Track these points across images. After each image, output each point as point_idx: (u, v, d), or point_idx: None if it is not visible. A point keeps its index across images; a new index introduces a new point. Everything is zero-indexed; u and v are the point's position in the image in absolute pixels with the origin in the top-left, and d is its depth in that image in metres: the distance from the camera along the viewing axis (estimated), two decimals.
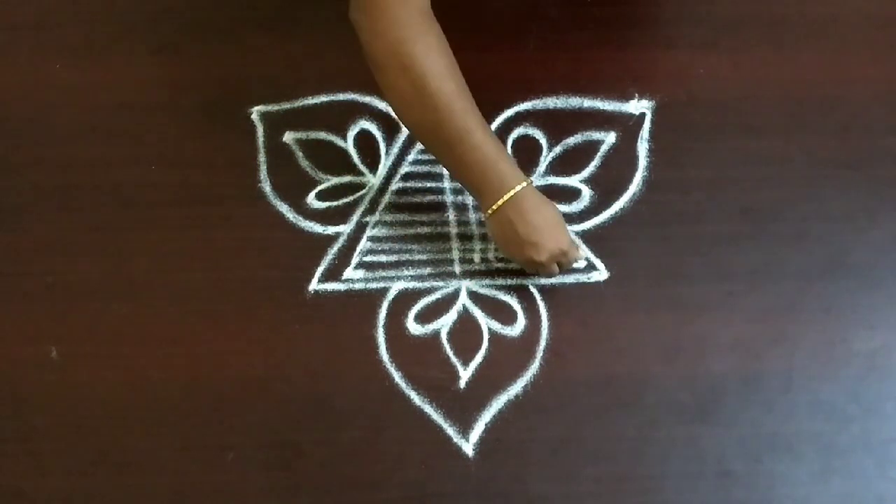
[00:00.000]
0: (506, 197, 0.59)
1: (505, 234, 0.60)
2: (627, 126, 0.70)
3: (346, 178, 0.69)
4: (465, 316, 0.65)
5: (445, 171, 0.68)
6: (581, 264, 0.66)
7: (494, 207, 0.59)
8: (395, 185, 0.68)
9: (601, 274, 0.66)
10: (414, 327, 0.64)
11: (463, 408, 0.62)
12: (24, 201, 0.68)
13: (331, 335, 0.64)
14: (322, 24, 0.67)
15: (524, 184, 0.59)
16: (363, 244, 0.67)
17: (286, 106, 0.70)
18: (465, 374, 0.63)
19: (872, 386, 0.63)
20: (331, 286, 0.65)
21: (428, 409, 0.62)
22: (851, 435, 0.62)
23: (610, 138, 0.70)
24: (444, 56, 0.57)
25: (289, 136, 0.70)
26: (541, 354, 0.64)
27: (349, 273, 0.66)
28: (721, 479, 0.61)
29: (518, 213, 0.59)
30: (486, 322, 0.65)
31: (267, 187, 0.68)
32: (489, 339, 0.64)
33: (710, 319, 0.64)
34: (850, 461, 0.61)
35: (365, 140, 0.70)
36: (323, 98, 0.70)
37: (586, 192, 0.68)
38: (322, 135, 0.70)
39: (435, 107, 0.57)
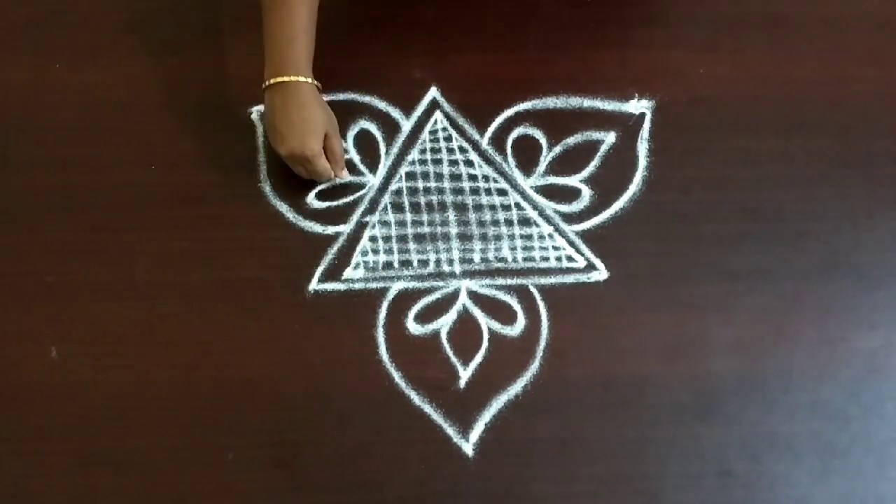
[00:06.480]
0: (272, 81, 0.63)
1: (268, 112, 0.64)
2: (627, 126, 0.70)
3: (346, 178, 0.68)
4: (465, 316, 0.65)
5: (446, 171, 0.68)
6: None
7: (265, 84, 0.63)
8: (395, 185, 0.68)
9: (601, 274, 0.66)
10: (414, 327, 0.64)
11: (463, 408, 0.62)
12: (24, 201, 0.68)
13: (331, 335, 0.64)
14: (322, 24, 0.67)
15: (301, 79, 0.63)
16: (363, 244, 0.67)
17: None
18: (464, 374, 0.63)
19: (872, 386, 0.63)
20: (331, 286, 0.65)
21: (428, 409, 0.62)
22: (851, 435, 0.62)
23: (610, 138, 0.70)
24: None
25: None
26: (541, 354, 0.64)
27: (349, 273, 0.66)
28: (721, 479, 0.61)
29: (283, 100, 0.64)
30: (486, 322, 0.65)
31: (267, 187, 0.68)
32: (489, 339, 0.64)
33: (710, 319, 0.64)
34: (849, 461, 0.61)
35: (365, 140, 0.70)
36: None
37: (586, 192, 0.68)
38: None
39: None
